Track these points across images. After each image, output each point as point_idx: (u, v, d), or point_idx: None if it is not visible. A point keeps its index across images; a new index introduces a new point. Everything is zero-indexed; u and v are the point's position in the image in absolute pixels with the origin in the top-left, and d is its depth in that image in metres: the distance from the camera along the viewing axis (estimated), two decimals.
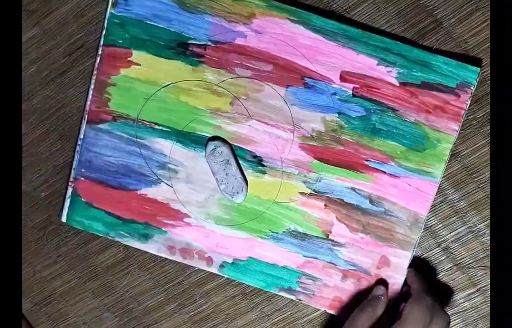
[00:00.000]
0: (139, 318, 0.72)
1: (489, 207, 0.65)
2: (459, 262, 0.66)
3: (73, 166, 0.66)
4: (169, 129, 0.65)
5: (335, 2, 0.63)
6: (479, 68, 0.61)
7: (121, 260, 0.71)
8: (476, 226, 0.65)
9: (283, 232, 0.66)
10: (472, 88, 0.62)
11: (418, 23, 0.63)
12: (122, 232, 0.67)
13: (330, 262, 0.66)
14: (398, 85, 0.62)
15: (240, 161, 0.65)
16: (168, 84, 0.64)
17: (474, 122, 0.64)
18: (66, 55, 0.67)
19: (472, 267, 0.66)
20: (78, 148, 0.66)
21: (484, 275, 0.65)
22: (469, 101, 0.62)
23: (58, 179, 0.69)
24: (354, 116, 0.63)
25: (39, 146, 0.69)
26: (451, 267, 0.66)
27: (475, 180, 0.65)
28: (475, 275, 0.66)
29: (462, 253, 0.66)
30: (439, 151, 0.63)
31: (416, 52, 0.62)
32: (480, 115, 0.63)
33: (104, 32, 0.63)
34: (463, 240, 0.66)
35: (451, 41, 0.63)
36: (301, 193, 0.65)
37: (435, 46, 0.63)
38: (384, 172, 0.64)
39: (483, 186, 0.65)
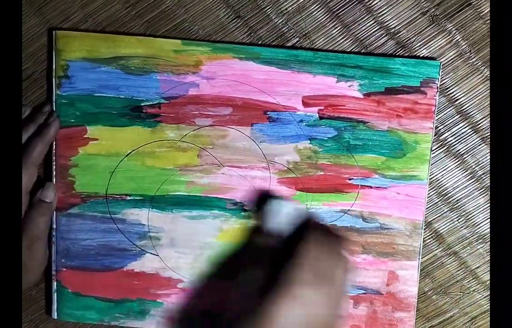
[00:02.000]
0: None
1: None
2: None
3: (53, 259, 0.66)
4: (141, 197, 0.65)
5: (290, 30, 0.63)
6: (439, 62, 0.61)
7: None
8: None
9: None
10: (436, 82, 0.62)
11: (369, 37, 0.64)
12: (117, 315, 0.66)
13: None
14: (362, 97, 0.62)
15: (221, 212, 0.64)
16: (131, 152, 0.64)
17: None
18: None
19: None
20: (53, 239, 0.65)
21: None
22: (437, 96, 0.62)
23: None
24: (326, 138, 0.63)
25: None
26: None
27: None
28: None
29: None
30: (419, 152, 0.63)
31: (372, 60, 0.62)
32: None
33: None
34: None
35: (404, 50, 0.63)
36: None
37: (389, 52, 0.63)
38: (370, 186, 0.64)
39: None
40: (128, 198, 0.65)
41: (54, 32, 0.62)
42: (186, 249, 0.65)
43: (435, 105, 0.62)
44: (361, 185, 0.64)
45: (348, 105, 0.63)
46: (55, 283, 0.66)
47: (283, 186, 0.64)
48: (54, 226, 0.65)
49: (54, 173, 0.65)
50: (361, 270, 0.65)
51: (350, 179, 0.64)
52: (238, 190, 0.64)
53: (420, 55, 0.64)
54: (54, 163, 0.65)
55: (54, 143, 0.64)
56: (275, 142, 0.64)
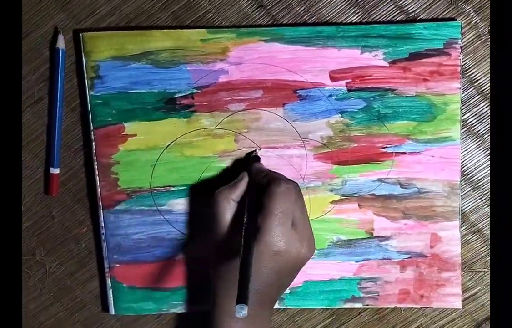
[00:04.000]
0: None
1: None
2: None
3: (104, 256, 0.69)
4: (184, 187, 0.68)
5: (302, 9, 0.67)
6: (459, 22, 0.64)
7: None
8: None
9: (328, 245, 0.68)
10: (459, 42, 0.64)
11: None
12: (174, 302, 0.70)
13: (383, 259, 0.68)
14: (388, 65, 0.65)
15: None
16: (169, 144, 0.67)
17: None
18: (42, 80, 0.69)
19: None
20: (103, 237, 0.69)
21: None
22: (461, 55, 0.64)
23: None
24: (356, 110, 0.66)
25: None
26: None
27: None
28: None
29: None
30: (449, 113, 0.66)
31: (394, 28, 0.65)
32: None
33: (90, 116, 0.66)
34: None
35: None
36: (332, 202, 0.68)
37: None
38: (404, 152, 0.66)
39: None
40: (172, 188, 0.68)
41: (81, 34, 0.65)
42: None
43: (460, 66, 0.64)
44: (395, 152, 0.67)
45: (375, 75, 0.65)
46: (109, 280, 0.70)
47: (319, 161, 0.67)
48: (103, 224, 0.69)
49: (97, 172, 0.68)
50: (404, 235, 0.68)
51: (383, 148, 0.67)
52: (276, 170, 0.67)
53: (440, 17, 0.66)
54: (95, 163, 0.68)
55: (93, 143, 0.67)
56: (308, 120, 0.67)
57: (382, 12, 0.66)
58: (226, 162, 0.68)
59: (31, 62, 0.68)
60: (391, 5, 0.66)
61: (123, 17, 0.67)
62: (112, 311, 0.70)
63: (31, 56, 0.68)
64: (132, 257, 0.69)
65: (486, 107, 0.66)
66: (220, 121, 0.67)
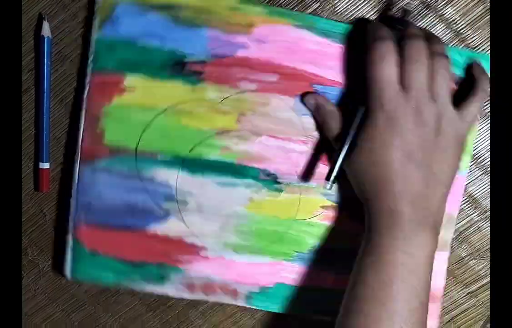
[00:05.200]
0: None
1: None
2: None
3: (71, 212, 0.64)
4: (173, 157, 0.64)
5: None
6: (487, 54, 0.62)
7: (105, 288, 0.69)
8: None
9: (309, 250, 0.65)
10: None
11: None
12: (134, 278, 0.65)
13: None
14: None
15: (253, 181, 0.64)
16: (167, 108, 0.63)
17: None
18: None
19: None
20: (73, 193, 0.64)
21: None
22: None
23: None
24: None
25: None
26: None
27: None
28: None
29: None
30: None
31: None
32: None
33: (91, 58, 0.61)
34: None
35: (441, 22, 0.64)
36: (323, 206, 0.65)
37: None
38: None
39: None
40: (159, 156, 0.64)
41: None
42: (213, 216, 0.65)
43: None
44: None
45: None
46: (71, 240, 0.65)
47: (319, 162, 0.65)
48: (77, 178, 0.64)
49: (83, 120, 0.63)
50: None
51: None
52: (273, 161, 0.64)
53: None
54: (83, 111, 0.63)
55: (86, 90, 0.62)
56: None
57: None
58: (222, 142, 0.64)
59: None
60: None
61: None
62: (69, 274, 0.64)
63: None
64: (100, 220, 0.64)
65: None
66: (226, 97, 0.63)
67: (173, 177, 0.64)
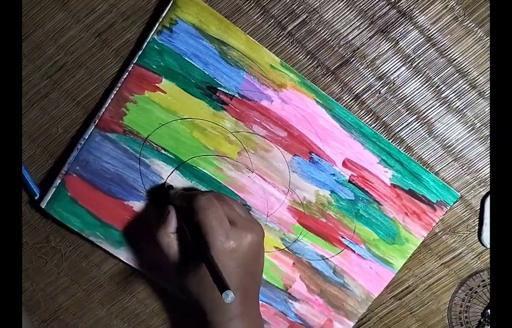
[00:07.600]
0: (147, 321, 0.80)
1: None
2: None
3: (68, 160, 0.71)
4: (173, 157, 0.72)
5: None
6: (459, 194, 0.74)
7: (122, 269, 0.77)
8: None
9: None
10: (447, 207, 0.74)
11: (383, 16, 0.70)
12: (97, 233, 0.74)
13: (281, 311, 0.77)
14: (389, 185, 0.73)
15: None
16: (186, 118, 0.71)
17: None
18: (47, 77, 0.72)
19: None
20: (79, 146, 0.71)
21: None
22: (442, 217, 0.75)
23: None
24: (343, 198, 0.73)
25: (30, 168, 0.75)
26: None
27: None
28: None
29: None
30: (405, 249, 0.75)
31: (413, 164, 0.73)
32: None
33: (140, 52, 0.68)
34: None
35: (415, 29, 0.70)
36: (276, 247, 0.75)
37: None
38: (354, 251, 0.75)
39: None
40: (163, 151, 0.72)
41: None
42: None
43: (436, 223, 0.75)
44: (347, 246, 0.75)
45: (375, 185, 0.73)
46: (58, 181, 0.72)
47: (289, 213, 0.74)
48: (86, 137, 0.71)
49: (112, 96, 0.70)
50: (309, 306, 0.77)
51: (342, 237, 0.75)
52: (253, 196, 0.73)
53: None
54: (117, 88, 0.70)
55: (126, 73, 0.70)
56: (304, 179, 0.73)
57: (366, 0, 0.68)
58: (218, 163, 0.73)
59: (35, 60, 0.71)
60: None
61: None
62: (44, 204, 0.72)
63: (35, 54, 0.70)
64: (91, 178, 0.72)
65: (464, 84, 0.74)
66: (238, 131, 0.71)
67: (166, 172, 0.72)
